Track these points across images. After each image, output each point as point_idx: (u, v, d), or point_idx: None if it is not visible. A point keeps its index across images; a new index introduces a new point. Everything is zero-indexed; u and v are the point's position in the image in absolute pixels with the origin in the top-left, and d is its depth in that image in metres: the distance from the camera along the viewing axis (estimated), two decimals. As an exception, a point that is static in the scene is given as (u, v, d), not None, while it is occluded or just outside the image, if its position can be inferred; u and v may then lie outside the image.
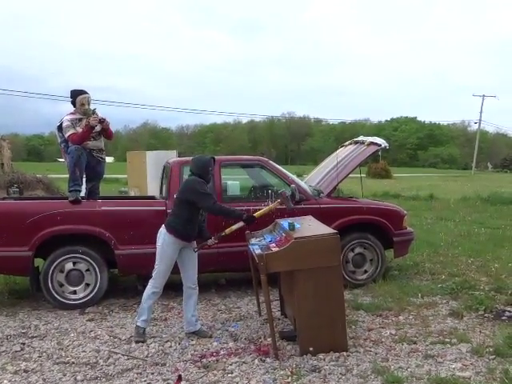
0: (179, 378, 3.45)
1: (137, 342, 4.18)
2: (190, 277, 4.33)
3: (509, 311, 4.79)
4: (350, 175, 6.21)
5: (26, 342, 4.24)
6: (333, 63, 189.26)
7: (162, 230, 4.23)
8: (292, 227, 4.07)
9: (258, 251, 3.94)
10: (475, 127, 63.63)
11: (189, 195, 4.15)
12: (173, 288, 5.12)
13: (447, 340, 4.09)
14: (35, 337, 4.37)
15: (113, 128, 5.75)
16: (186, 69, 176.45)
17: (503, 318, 4.65)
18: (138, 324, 4.27)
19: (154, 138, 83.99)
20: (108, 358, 3.86)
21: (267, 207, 4.55)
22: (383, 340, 4.13)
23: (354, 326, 4.42)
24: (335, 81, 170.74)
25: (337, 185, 6.10)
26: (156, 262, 4.24)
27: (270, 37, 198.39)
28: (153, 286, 4.25)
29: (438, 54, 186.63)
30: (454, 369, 3.55)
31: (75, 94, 5.49)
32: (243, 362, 3.73)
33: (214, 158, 4.41)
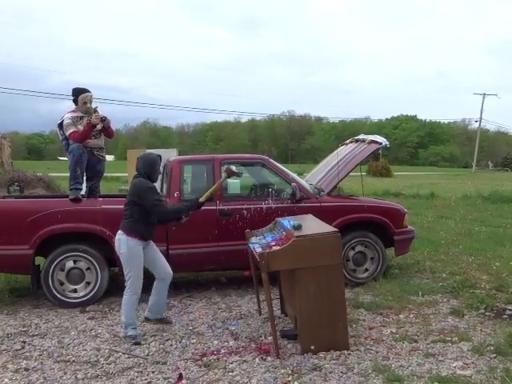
0: (180, 376, 3.45)
1: (135, 344, 4.07)
2: (162, 268, 4.33)
3: (510, 310, 4.78)
4: (351, 174, 6.21)
5: (27, 340, 4.25)
6: (334, 61, 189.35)
7: (122, 236, 4.11)
8: (298, 226, 4.00)
9: (258, 250, 3.94)
10: (476, 126, 63.74)
11: (140, 200, 4.09)
12: (173, 287, 5.11)
13: (448, 338, 4.09)
14: (36, 335, 4.37)
15: (113, 126, 5.76)
16: (187, 67, 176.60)
17: (504, 316, 4.65)
18: (130, 333, 4.14)
19: (154, 136, 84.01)
20: (109, 357, 3.86)
21: (211, 189, 4.56)
22: (384, 338, 4.13)
23: (354, 325, 4.42)
24: (336, 79, 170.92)
25: (337, 183, 6.10)
26: (125, 270, 4.14)
27: (271, 34, 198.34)
28: (132, 293, 4.14)
29: (438, 52, 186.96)
30: (454, 367, 3.55)
31: (77, 93, 5.49)
32: (244, 361, 3.72)
33: (160, 156, 4.34)
